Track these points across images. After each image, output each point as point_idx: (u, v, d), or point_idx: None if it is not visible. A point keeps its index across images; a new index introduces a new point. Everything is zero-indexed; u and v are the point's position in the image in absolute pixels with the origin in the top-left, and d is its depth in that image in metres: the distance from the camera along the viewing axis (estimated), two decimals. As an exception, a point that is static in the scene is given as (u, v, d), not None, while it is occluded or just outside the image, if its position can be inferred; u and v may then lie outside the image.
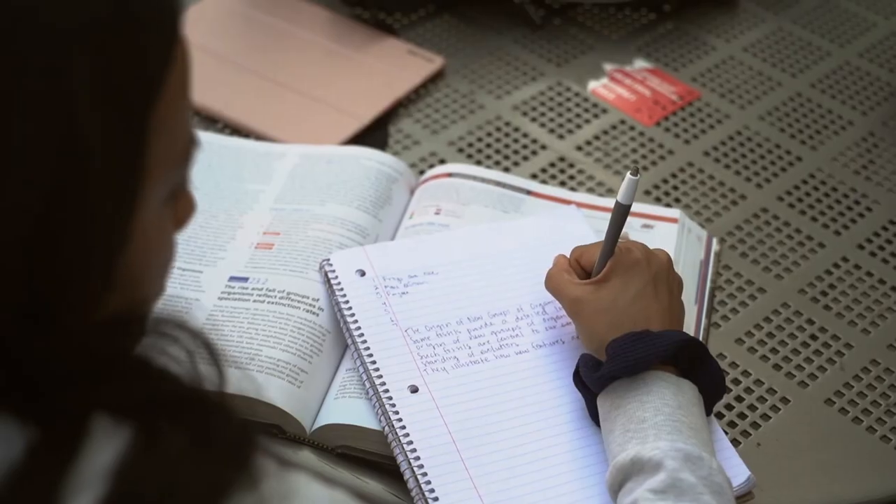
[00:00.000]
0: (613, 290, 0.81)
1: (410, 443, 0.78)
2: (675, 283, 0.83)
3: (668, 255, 0.84)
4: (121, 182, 0.50)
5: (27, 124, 0.46)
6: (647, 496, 0.70)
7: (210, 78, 1.12)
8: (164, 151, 0.53)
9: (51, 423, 0.48)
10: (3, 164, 0.46)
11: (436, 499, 0.76)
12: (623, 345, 0.77)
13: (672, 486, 0.70)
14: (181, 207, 0.59)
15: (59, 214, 0.48)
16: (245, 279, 0.90)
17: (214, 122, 1.09)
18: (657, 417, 0.74)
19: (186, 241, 0.93)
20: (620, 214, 0.82)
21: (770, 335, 0.92)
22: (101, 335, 0.52)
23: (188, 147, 0.56)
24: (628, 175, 0.81)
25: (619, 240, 0.83)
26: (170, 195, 0.56)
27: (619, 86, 1.15)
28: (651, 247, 0.94)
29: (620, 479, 0.73)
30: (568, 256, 0.86)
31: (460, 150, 1.07)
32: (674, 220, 0.97)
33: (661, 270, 0.82)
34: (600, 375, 0.77)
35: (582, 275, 0.84)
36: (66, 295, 0.50)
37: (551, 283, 0.84)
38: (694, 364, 0.78)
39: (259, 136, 1.07)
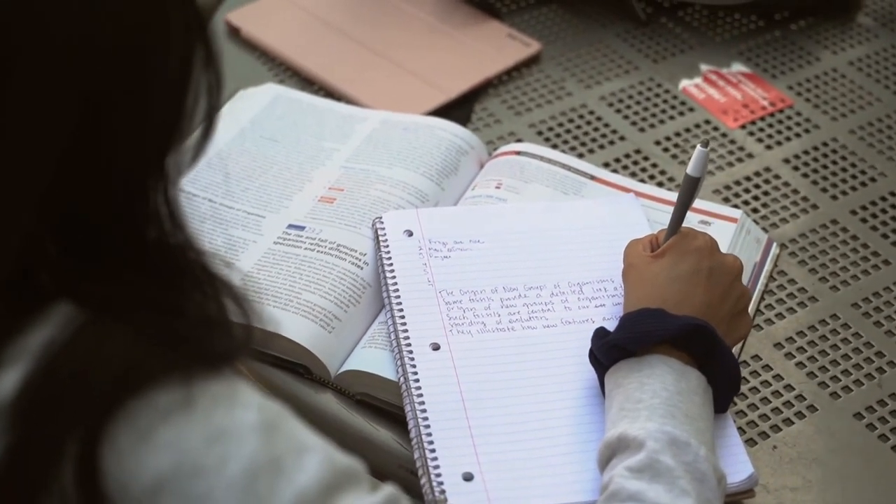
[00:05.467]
0: (661, 266, 0.81)
1: (420, 395, 0.81)
2: (737, 292, 0.82)
3: (739, 262, 0.84)
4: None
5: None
6: (624, 473, 0.70)
7: (315, 42, 1.18)
8: None
9: (13, 301, 0.53)
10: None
11: (433, 450, 0.78)
12: (634, 317, 0.78)
13: (649, 466, 0.70)
14: None
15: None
16: (302, 228, 0.94)
17: (311, 84, 1.14)
18: (653, 400, 0.74)
19: (257, 188, 0.98)
20: (689, 188, 0.82)
21: (812, 343, 0.91)
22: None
23: None
24: (698, 147, 0.81)
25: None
26: None
27: (712, 87, 1.14)
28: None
29: (607, 455, 0.73)
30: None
31: (539, 133, 1.09)
32: (733, 220, 0.96)
33: (720, 268, 0.82)
34: (603, 343, 0.78)
35: (656, 248, 0.85)
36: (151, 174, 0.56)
37: (625, 248, 0.86)
38: (707, 354, 0.78)
39: (349, 101, 1.11)
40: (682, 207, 0.84)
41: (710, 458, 0.72)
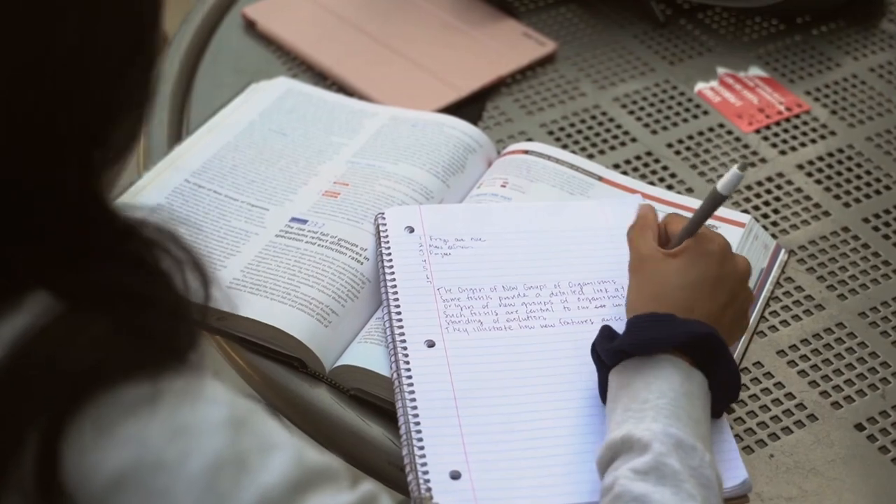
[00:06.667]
0: (675, 267, 0.80)
1: (412, 392, 0.80)
2: (743, 297, 0.82)
3: (748, 265, 0.83)
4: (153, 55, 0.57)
5: None
6: (628, 475, 0.69)
7: (329, 37, 1.17)
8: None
9: None
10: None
11: (422, 447, 0.77)
12: (643, 322, 0.76)
13: (655, 468, 0.69)
14: None
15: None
16: (305, 221, 0.94)
17: (325, 79, 1.13)
18: (660, 401, 0.73)
19: (263, 181, 0.98)
20: (714, 203, 0.81)
21: (816, 352, 0.89)
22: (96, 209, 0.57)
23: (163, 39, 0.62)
24: (735, 169, 0.80)
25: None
26: None
27: (728, 90, 1.13)
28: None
29: (610, 457, 0.72)
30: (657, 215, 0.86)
31: (550, 133, 1.08)
32: (741, 225, 0.95)
33: (731, 274, 0.81)
34: (611, 347, 0.77)
35: (663, 238, 0.84)
36: (84, 152, 0.55)
37: (633, 232, 0.84)
38: (710, 360, 0.77)
39: (362, 96, 1.11)
40: (704, 216, 0.82)
41: (714, 464, 0.71)
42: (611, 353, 0.77)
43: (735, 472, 0.77)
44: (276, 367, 0.86)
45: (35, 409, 0.52)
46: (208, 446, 0.54)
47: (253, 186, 0.98)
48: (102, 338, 0.53)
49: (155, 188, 0.98)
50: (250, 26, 1.19)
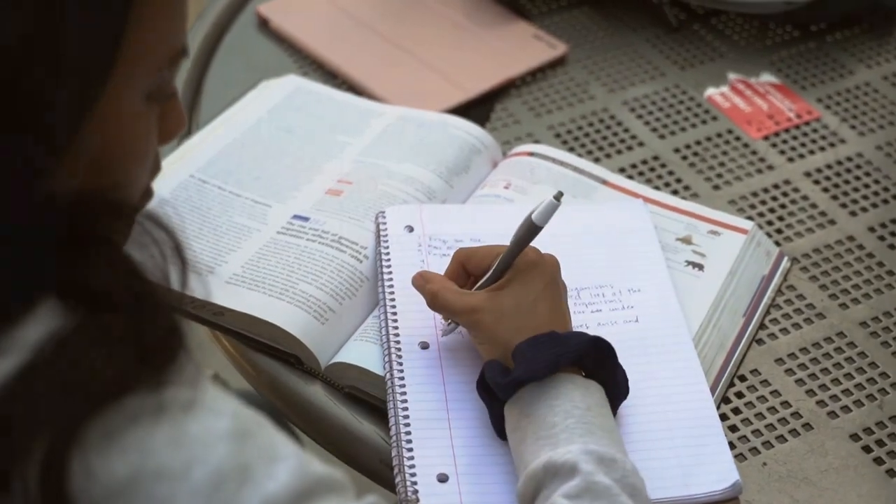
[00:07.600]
0: (513, 295, 0.78)
1: (404, 393, 0.80)
2: (563, 288, 0.81)
3: (556, 259, 0.82)
4: (95, 51, 0.55)
5: None
6: (563, 502, 0.68)
7: (341, 36, 1.18)
8: (148, 45, 0.57)
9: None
10: None
11: (410, 449, 0.77)
12: (531, 348, 0.75)
13: (587, 489, 0.68)
14: (170, 119, 0.63)
15: (30, 67, 0.52)
16: (306, 219, 0.94)
17: (335, 78, 1.14)
18: (567, 421, 0.72)
19: (267, 178, 0.99)
20: (529, 233, 0.79)
21: (814, 361, 0.89)
22: (70, 207, 0.56)
23: (176, 54, 0.60)
24: (551, 198, 0.79)
25: None
26: (152, 95, 0.60)
27: (738, 96, 1.12)
28: (712, 253, 0.93)
29: (533, 489, 0.71)
30: (456, 267, 0.83)
31: (557, 136, 1.08)
32: (743, 231, 0.94)
33: (555, 273, 0.81)
34: (510, 381, 0.75)
35: (464, 278, 0.83)
36: (30, 146, 0.53)
37: (438, 301, 0.81)
38: (599, 366, 0.76)
39: (370, 95, 1.11)
40: (520, 248, 0.80)
41: (636, 471, 0.71)
42: (506, 387, 0.75)
43: (726, 474, 0.77)
44: (273, 363, 0.86)
45: (47, 421, 0.52)
46: (212, 456, 0.54)
47: (257, 183, 0.99)
48: (114, 350, 0.53)
49: (160, 183, 0.98)
50: (263, 24, 1.20)
